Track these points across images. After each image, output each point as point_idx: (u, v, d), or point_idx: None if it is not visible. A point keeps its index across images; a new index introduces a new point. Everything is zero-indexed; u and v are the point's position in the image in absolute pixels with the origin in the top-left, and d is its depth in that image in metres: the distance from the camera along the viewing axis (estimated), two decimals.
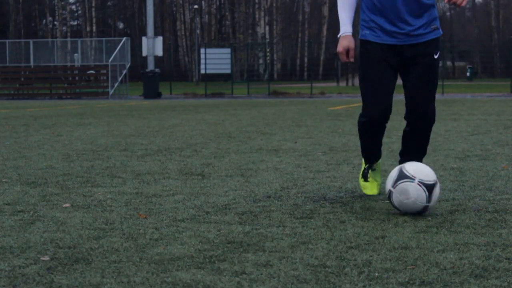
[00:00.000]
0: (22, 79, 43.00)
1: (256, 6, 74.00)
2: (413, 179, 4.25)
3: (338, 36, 4.74)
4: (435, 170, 6.22)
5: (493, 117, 14.72)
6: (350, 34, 4.74)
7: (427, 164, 6.64)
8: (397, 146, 8.44)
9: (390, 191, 4.30)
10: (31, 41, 43.41)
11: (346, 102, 27.91)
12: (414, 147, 4.84)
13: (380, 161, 5.07)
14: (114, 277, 2.94)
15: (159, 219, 4.17)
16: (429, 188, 4.23)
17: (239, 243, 3.52)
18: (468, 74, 68.57)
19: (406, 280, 2.86)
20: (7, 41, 44.46)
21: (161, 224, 4.02)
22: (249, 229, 3.86)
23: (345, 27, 4.74)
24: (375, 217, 4.16)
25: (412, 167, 4.33)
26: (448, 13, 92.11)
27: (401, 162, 4.80)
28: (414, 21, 4.61)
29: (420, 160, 4.82)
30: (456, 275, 2.93)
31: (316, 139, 9.54)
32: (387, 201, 4.56)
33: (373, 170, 5.01)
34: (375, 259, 3.18)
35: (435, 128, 11.54)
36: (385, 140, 9.30)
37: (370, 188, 4.98)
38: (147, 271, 3.03)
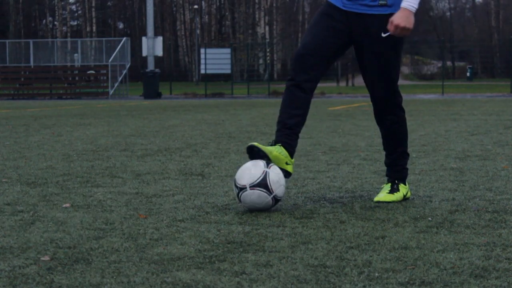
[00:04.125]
0: (22, 79, 43.02)
1: (256, 6, 74.00)
2: (245, 188, 4.33)
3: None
4: (434, 170, 6.22)
5: (493, 117, 14.73)
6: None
7: (428, 164, 6.65)
8: None
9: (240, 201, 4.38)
10: (31, 41, 43.44)
11: (346, 102, 27.92)
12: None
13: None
14: (114, 277, 2.95)
15: (159, 219, 4.17)
16: (262, 184, 4.31)
17: (239, 243, 3.52)
18: (468, 74, 68.60)
19: (406, 280, 2.86)
20: (7, 41, 44.49)
21: (161, 224, 4.02)
22: (249, 229, 3.86)
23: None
24: (375, 217, 4.16)
25: (238, 176, 4.40)
26: (448, 13, 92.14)
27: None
28: None
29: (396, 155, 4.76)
30: (456, 275, 2.93)
31: (316, 139, 9.54)
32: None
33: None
34: (375, 259, 3.18)
35: (435, 128, 11.55)
36: None
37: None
38: (147, 271, 3.03)
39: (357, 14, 4.54)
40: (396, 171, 4.78)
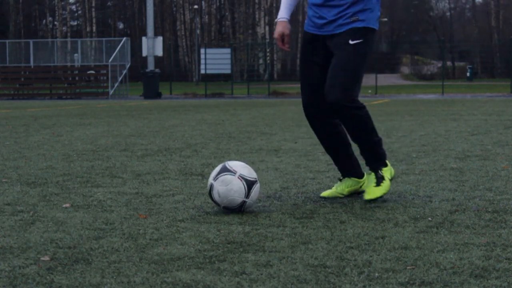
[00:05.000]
0: (22, 79, 43.01)
1: (256, 6, 74.00)
2: (234, 173, 4.37)
3: (275, 22, 4.83)
4: (434, 170, 6.22)
5: (493, 117, 14.73)
6: (286, 20, 4.78)
7: (428, 164, 6.65)
8: (397, 146, 8.44)
9: (211, 184, 4.40)
10: (31, 41, 43.43)
11: None
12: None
13: (348, 181, 4.91)
14: (114, 277, 2.95)
15: (159, 219, 4.17)
16: (249, 184, 4.37)
17: (239, 243, 3.52)
18: (468, 74, 68.58)
19: (406, 280, 2.86)
20: (7, 41, 44.49)
21: (161, 224, 4.02)
22: (249, 229, 3.86)
23: (281, 13, 4.81)
24: (375, 217, 4.16)
25: (234, 163, 4.47)
26: (448, 13, 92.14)
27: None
28: (331, 12, 4.63)
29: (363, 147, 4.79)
30: (456, 275, 2.93)
31: (316, 139, 9.53)
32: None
33: (340, 179, 4.96)
34: (375, 259, 3.18)
35: (435, 128, 11.55)
36: (385, 140, 9.30)
37: (325, 191, 4.97)
38: (147, 271, 3.03)
39: (333, 35, 4.69)
40: (375, 160, 4.78)
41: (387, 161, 4.83)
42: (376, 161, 4.78)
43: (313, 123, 4.87)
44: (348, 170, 4.91)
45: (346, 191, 4.87)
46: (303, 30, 4.86)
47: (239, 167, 4.43)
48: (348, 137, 4.88)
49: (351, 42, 4.62)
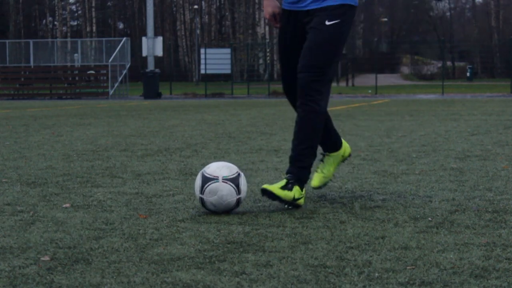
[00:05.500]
0: (22, 79, 43.01)
1: (256, 6, 73.98)
2: (217, 179, 4.34)
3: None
4: (434, 170, 6.22)
5: (493, 117, 14.73)
6: None
7: (428, 164, 6.65)
8: (397, 146, 8.44)
9: (201, 198, 4.36)
10: (31, 41, 43.43)
11: (346, 102, 27.91)
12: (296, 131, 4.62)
13: (333, 153, 4.86)
14: (114, 277, 2.94)
15: (159, 219, 4.17)
16: (235, 181, 4.35)
17: (239, 243, 3.52)
18: (468, 74, 68.59)
19: (406, 280, 2.86)
20: (7, 41, 44.50)
21: (161, 224, 4.02)
22: (249, 229, 3.86)
23: None
24: (375, 217, 4.16)
25: (212, 169, 4.40)
26: (448, 13, 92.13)
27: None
28: None
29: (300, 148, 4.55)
30: (456, 275, 2.93)
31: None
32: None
33: (321, 160, 4.84)
34: (375, 259, 3.18)
35: (435, 128, 11.54)
36: (385, 140, 9.30)
37: (312, 179, 4.77)
38: (147, 271, 3.03)
39: (308, 11, 4.53)
40: (300, 168, 4.51)
41: (303, 188, 4.50)
42: (299, 174, 4.49)
43: (294, 103, 4.69)
44: (329, 145, 4.85)
45: (332, 170, 4.81)
46: None
47: (218, 170, 4.38)
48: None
49: (327, 23, 4.45)
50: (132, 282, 2.87)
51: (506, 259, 3.18)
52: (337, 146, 4.89)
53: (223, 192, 4.31)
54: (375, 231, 3.78)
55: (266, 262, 3.15)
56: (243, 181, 4.40)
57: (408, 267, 3.05)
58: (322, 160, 4.89)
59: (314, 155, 4.60)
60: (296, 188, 4.44)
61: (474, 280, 2.85)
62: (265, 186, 4.46)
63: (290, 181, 4.46)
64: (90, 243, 3.55)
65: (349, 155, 5.03)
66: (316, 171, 4.87)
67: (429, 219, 4.10)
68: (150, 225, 3.98)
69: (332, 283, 2.84)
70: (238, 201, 4.36)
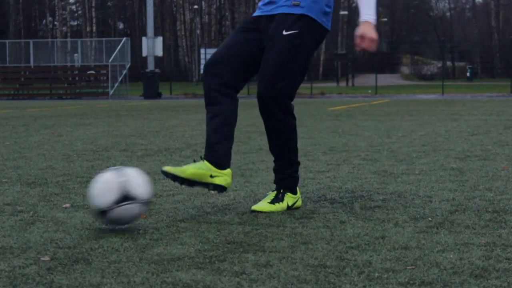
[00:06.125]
0: (22, 79, 43.00)
1: (256, 6, 74.00)
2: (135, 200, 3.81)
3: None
4: (434, 170, 6.22)
5: (493, 117, 14.73)
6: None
7: (428, 164, 6.65)
8: (397, 146, 8.44)
9: (105, 211, 3.81)
10: (31, 41, 43.42)
11: (346, 102, 27.91)
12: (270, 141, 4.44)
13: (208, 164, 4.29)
14: (114, 277, 2.94)
15: (159, 219, 4.17)
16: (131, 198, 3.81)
17: (239, 243, 3.52)
18: (468, 74, 68.60)
19: (406, 280, 2.86)
20: (7, 41, 44.48)
21: (161, 224, 4.02)
22: (249, 229, 3.86)
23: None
24: (375, 217, 4.16)
25: (135, 187, 3.84)
26: (448, 13, 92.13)
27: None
28: None
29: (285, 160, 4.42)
30: (456, 275, 2.93)
31: (316, 139, 9.54)
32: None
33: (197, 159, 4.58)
34: (375, 259, 3.18)
35: (435, 128, 11.54)
36: (385, 140, 9.30)
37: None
38: (147, 271, 3.03)
39: (268, 16, 4.40)
40: (282, 179, 4.46)
41: (297, 189, 4.49)
42: (285, 183, 4.45)
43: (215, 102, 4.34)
44: (280, 181, 4.51)
45: (190, 171, 4.26)
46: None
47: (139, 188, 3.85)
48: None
49: (284, 32, 4.28)
50: (132, 282, 2.87)
51: (506, 259, 3.18)
52: (221, 163, 4.33)
53: (123, 213, 3.81)
54: (375, 231, 3.78)
55: (266, 262, 3.15)
56: (134, 186, 3.83)
57: (408, 267, 3.05)
58: (195, 160, 4.44)
59: (296, 163, 4.51)
60: (288, 195, 4.43)
61: (474, 280, 2.85)
62: (254, 207, 4.36)
63: (281, 192, 4.45)
64: (90, 243, 3.55)
65: (217, 189, 4.37)
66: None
67: (429, 219, 4.10)
68: (150, 225, 3.98)
69: (332, 283, 2.84)
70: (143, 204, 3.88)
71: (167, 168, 4.26)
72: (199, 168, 4.26)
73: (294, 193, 4.46)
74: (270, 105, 4.31)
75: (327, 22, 4.41)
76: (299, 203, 4.48)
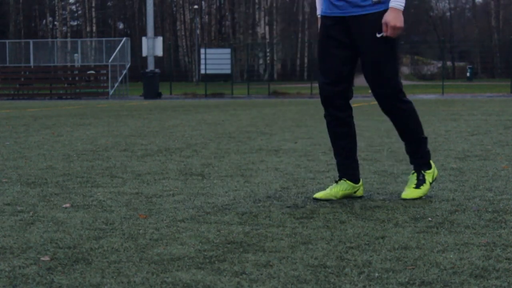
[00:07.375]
0: (22, 79, 43.01)
1: (256, 6, 74.00)
2: None
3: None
4: None
5: (493, 117, 14.73)
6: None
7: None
8: (397, 146, 8.44)
9: None
10: (31, 41, 43.43)
11: None
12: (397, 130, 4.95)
13: (344, 184, 4.79)
14: (114, 277, 2.95)
15: (159, 219, 4.17)
16: None
17: (239, 243, 3.52)
18: (468, 74, 68.62)
19: (406, 280, 2.86)
20: (7, 41, 44.49)
21: (161, 224, 4.02)
22: (249, 229, 3.86)
23: None
24: (375, 217, 4.16)
25: None
26: (448, 13, 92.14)
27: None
28: None
29: (409, 145, 4.87)
30: (456, 275, 2.93)
31: (316, 139, 9.54)
32: (387, 201, 4.57)
33: (336, 181, 4.84)
34: (375, 259, 3.18)
35: (435, 128, 11.54)
36: (385, 140, 9.30)
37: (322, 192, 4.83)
38: (147, 271, 3.03)
39: (354, 17, 4.59)
40: (418, 158, 4.85)
41: (431, 162, 4.88)
42: (420, 161, 4.84)
43: (330, 111, 4.75)
44: (347, 171, 4.83)
45: (340, 194, 4.76)
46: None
47: None
48: (356, 138, 4.88)
49: (378, 35, 4.54)
50: (132, 282, 2.87)
51: (506, 259, 3.18)
52: (354, 176, 4.83)
53: None
54: (375, 231, 3.78)
55: (266, 262, 3.15)
56: None
57: (408, 267, 3.05)
58: (336, 182, 4.85)
59: (425, 141, 4.87)
60: (427, 173, 4.82)
61: (474, 280, 2.85)
62: (405, 195, 4.73)
63: (421, 172, 4.82)
64: (90, 243, 3.55)
65: (360, 196, 4.88)
66: (326, 189, 4.85)
67: (429, 219, 4.10)
68: (150, 225, 3.98)
69: (332, 283, 2.84)
70: None
71: (319, 195, 4.75)
72: (345, 189, 4.78)
73: (430, 167, 4.85)
74: (391, 100, 4.68)
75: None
76: (436, 173, 4.88)
